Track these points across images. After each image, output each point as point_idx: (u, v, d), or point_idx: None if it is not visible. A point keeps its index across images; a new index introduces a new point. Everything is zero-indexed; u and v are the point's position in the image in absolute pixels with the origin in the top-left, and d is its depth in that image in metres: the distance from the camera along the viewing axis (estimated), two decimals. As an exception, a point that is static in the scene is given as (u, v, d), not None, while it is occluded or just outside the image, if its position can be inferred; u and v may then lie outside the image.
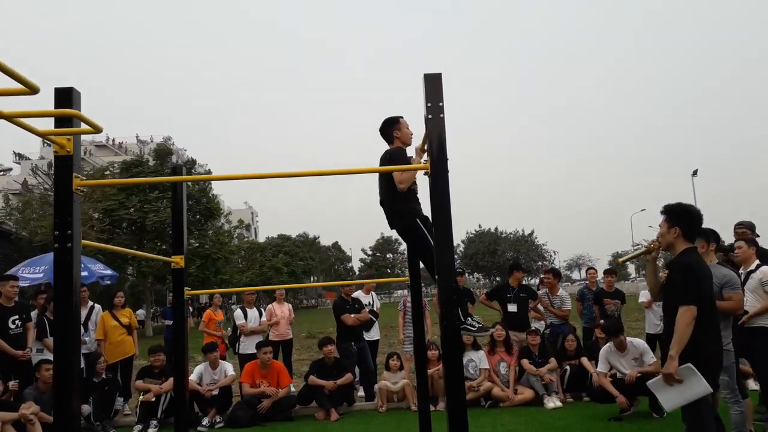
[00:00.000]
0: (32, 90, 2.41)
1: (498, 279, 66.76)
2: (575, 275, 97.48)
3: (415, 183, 4.02)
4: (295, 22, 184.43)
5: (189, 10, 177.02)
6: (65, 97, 3.20)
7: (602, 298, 8.12)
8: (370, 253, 76.71)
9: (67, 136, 3.18)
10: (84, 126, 3.08)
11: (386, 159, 3.99)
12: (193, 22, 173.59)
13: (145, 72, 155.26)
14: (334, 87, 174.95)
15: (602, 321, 7.53)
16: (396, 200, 3.86)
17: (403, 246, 4.88)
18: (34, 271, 10.61)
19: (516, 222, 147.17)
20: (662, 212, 3.69)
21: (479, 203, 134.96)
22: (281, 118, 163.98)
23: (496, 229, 69.06)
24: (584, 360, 7.10)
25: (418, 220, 3.79)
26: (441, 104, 3.38)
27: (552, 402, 6.78)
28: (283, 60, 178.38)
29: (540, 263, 69.54)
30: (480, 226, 70.20)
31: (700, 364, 3.35)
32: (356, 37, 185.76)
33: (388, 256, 76.43)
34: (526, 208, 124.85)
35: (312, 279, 73.91)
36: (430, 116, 3.38)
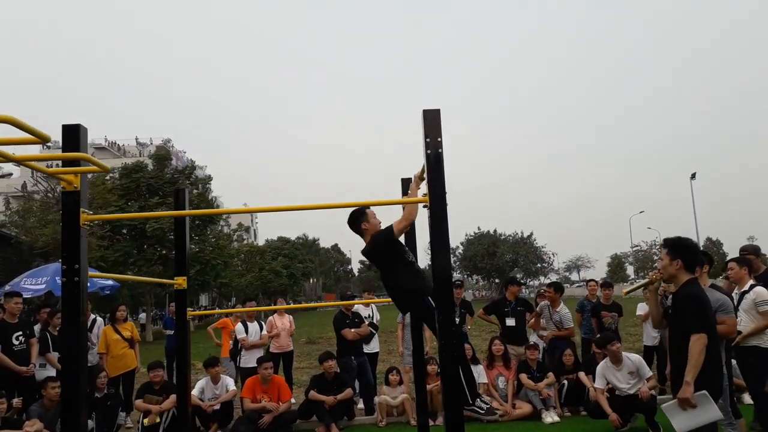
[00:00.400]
0: (43, 140, 2.52)
1: (497, 281, 66.85)
2: (574, 276, 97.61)
3: (408, 254, 4.03)
4: (287, 21, 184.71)
5: (185, 10, 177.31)
6: (72, 134, 3.28)
7: (600, 311, 8.19)
8: (369, 255, 76.80)
9: (75, 173, 3.27)
10: (91, 165, 3.18)
11: (369, 253, 4.03)
12: (190, 22, 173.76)
13: (143, 73, 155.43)
14: (333, 83, 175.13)
15: (598, 335, 7.59)
16: (403, 282, 3.89)
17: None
18: (36, 282, 10.69)
19: (515, 224, 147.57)
20: (663, 246, 3.94)
21: (478, 205, 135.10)
22: (279, 113, 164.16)
23: (495, 231, 69.18)
24: (582, 375, 7.17)
25: (429, 297, 3.77)
26: (440, 140, 3.46)
27: (550, 417, 6.86)
28: (280, 57, 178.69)
29: (539, 265, 69.68)
30: (479, 228, 70.40)
31: (702, 387, 3.54)
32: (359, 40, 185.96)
33: (387, 257, 76.44)
34: (525, 210, 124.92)
35: (312, 281, 73.96)
36: (428, 151, 3.46)
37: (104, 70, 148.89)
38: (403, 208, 3.97)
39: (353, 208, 4.04)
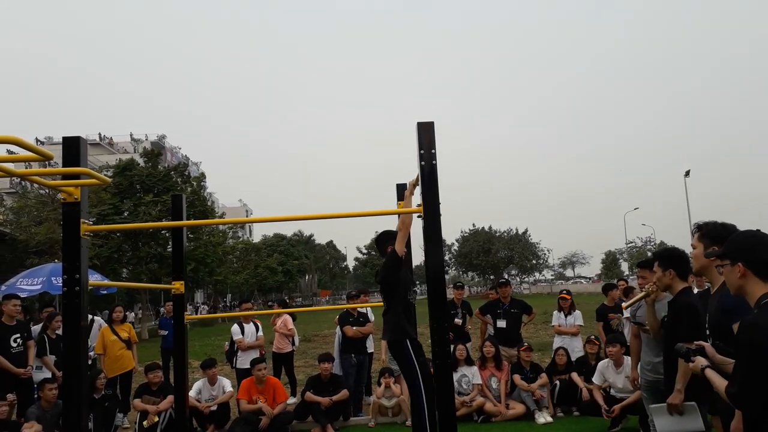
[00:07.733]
0: (47, 158, 2.59)
1: (492, 277, 67.01)
2: (569, 273, 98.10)
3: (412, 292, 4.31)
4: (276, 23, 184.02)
5: (178, 10, 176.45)
6: (73, 147, 3.33)
7: (606, 313, 7.94)
8: (365, 251, 76.85)
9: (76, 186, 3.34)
10: (91, 179, 3.24)
11: (383, 279, 4.24)
12: (183, 22, 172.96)
13: (139, 68, 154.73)
14: (329, 82, 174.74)
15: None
16: (391, 331, 4.13)
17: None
18: (32, 283, 10.72)
19: (510, 220, 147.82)
20: (654, 259, 4.08)
21: (473, 202, 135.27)
22: (276, 111, 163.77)
23: (490, 227, 69.30)
24: (574, 375, 7.27)
25: (407, 341, 4.05)
26: (433, 151, 3.53)
27: (543, 417, 6.94)
28: (276, 58, 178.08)
29: (534, 261, 69.89)
30: (474, 224, 70.46)
31: (694, 395, 3.68)
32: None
33: (382, 254, 76.49)
34: (519, 207, 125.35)
35: (307, 278, 73.96)
36: (422, 163, 3.53)
37: (100, 65, 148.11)
38: (399, 217, 4.06)
39: (352, 217, 4.09)
